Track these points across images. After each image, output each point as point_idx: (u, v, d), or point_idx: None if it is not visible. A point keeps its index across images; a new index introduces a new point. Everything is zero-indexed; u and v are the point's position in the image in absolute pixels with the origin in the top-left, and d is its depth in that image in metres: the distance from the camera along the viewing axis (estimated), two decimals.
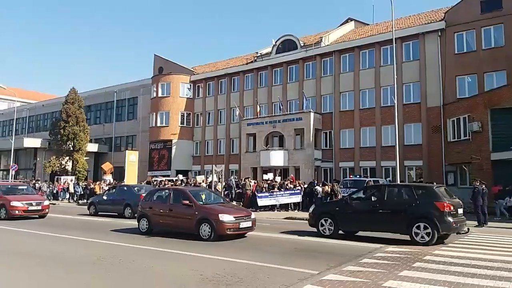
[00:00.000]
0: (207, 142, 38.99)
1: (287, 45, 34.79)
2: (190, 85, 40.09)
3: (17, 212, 17.35)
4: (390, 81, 22.83)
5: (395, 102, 19.97)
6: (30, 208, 17.71)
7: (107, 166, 35.41)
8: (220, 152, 37.75)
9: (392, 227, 11.36)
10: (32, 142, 41.99)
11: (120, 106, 45.72)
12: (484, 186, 16.25)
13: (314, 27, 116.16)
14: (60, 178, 34.69)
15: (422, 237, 10.72)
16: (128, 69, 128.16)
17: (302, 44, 33.82)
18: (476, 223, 15.56)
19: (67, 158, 38.67)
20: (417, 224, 10.79)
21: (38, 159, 41.86)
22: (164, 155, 39.04)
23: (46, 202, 18.64)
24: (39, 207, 18.02)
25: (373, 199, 12.00)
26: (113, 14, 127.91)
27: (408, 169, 27.28)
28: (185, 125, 39.44)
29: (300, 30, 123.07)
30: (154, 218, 12.92)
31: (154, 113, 39.54)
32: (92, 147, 43.26)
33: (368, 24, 37.92)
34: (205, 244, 11.00)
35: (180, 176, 31.97)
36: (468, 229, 12.40)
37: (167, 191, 13.93)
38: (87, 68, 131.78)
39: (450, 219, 10.66)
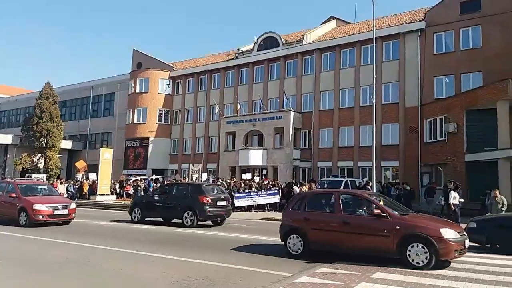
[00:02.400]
0: (185, 140, 38.28)
1: (269, 42, 34.36)
2: (169, 81, 39.33)
3: (40, 217, 14.30)
4: (370, 81, 22.59)
5: (373, 102, 19.73)
6: (56, 212, 14.68)
7: (80, 164, 34.39)
8: (198, 151, 37.11)
9: (174, 214, 15.76)
10: (2, 138, 40.49)
11: (96, 102, 44.60)
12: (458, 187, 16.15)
13: (297, 25, 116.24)
14: (31, 176, 33.48)
15: (188, 221, 15.02)
16: (105, 64, 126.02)
17: (284, 42, 33.44)
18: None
19: (39, 155, 37.34)
20: (187, 211, 15.08)
21: (8, 156, 40.38)
22: (140, 153, 38.17)
23: (73, 205, 15.54)
24: (66, 211, 14.97)
25: (165, 194, 16.54)
26: (91, 6, 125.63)
27: (384, 169, 27.17)
28: (163, 122, 38.65)
29: (283, 28, 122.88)
30: (315, 234, 9.16)
31: (131, 110, 38.64)
32: (66, 144, 42.02)
33: (350, 23, 37.77)
34: (180, 247, 10.52)
35: (154, 176, 31.33)
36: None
37: (332, 195, 9.93)
38: (63, 62, 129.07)
39: (207, 208, 14.99)
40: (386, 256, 8.37)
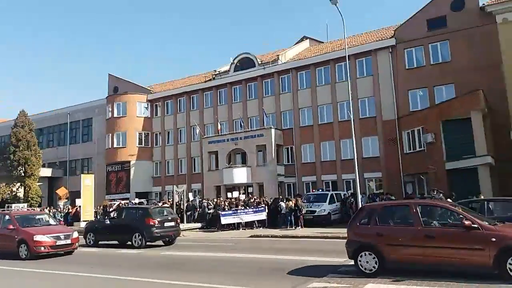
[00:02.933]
0: (167, 162, 38.21)
1: (245, 63, 35.09)
2: (148, 104, 39.36)
3: (42, 248, 13.59)
4: (346, 97, 23.50)
5: (351, 116, 20.52)
6: (59, 242, 14.00)
7: (62, 191, 33.77)
8: (181, 172, 37.06)
9: (124, 237, 16.94)
10: None
11: (74, 128, 43.98)
12: (441, 194, 16.83)
13: (270, 45, 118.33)
14: (11, 206, 32.60)
15: (137, 242, 16.13)
16: (81, 89, 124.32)
17: (259, 62, 34.24)
18: None
19: (18, 184, 36.47)
20: (135, 234, 16.32)
21: None
22: (122, 178, 37.77)
23: (75, 234, 14.72)
24: (69, 241, 14.27)
25: (116, 218, 17.75)
26: (62, 32, 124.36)
27: (368, 181, 28.00)
28: (143, 145, 38.49)
29: (257, 48, 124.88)
30: (392, 251, 8.44)
31: (110, 134, 38.35)
32: (46, 172, 41.16)
33: (322, 42, 39.05)
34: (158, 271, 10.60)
35: (137, 200, 31.06)
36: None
37: (407, 207, 9.09)
38: (37, 89, 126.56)
39: (154, 229, 16.27)
40: (479, 272, 7.68)
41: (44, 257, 13.68)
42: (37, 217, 16.03)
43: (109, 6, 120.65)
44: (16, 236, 13.93)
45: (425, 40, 26.45)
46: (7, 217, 15.08)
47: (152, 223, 16.35)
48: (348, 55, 21.58)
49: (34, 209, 26.12)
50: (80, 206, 28.37)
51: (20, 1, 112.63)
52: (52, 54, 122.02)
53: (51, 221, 16.06)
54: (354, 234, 9.23)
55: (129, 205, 29.10)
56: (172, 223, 17.34)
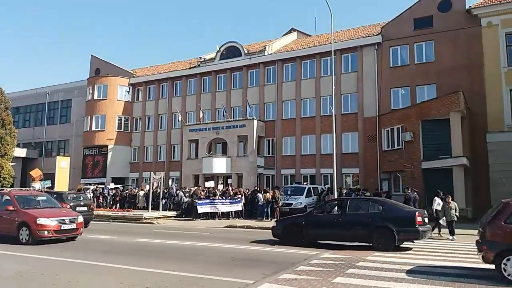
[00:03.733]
0: (146, 148, 37.66)
1: (232, 52, 34.69)
2: (129, 88, 38.65)
3: (46, 233, 12.33)
4: (330, 91, 23.41)
5: (333, 112, 20.47)
6: (64, 227, 12.71)
7: (36, 172, 32.77)
8: (160, 159, 36.59)
9: None
10: None
11: (53, 109, 42.91)
12: (416, 193, 16.97)
13: (259, 36, 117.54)
14: None
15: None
16: (62, 69, 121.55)
17: (246, 52, 33.89)
18: None
19: None
20: None
21: None
22: (99, 162, 37.08)
23: (80, 219, 13.48)
24: (74, 225, 13.02)
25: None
26: (47, 9, 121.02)
27: (345, 176, 28.12)
28: (122, 130, 37.81)
29: (245, 38, 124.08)
30: None
31: (89, 117, 37.55)
32: (20, 152, 40.03)
33: (310, 35, 38.86)
34: (137, 257, 10.37)
35: (112, 185, 30.50)
36: None
37: None
38: (16, 66, 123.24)
39: None
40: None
41: (47, 242, 12.49)
42: (38, 198, 14.49)
43: None
44: (16, 219, 12.68)
45: (411, 39, 26.53)
46: (6, 197, 13.71)
47: (65, 206, 17.27)
48: (334, 50, 21.48)
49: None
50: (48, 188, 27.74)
51: None
52: (34, 32, 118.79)
53: (54, 203, 14.55)
54: (496, 235, 7.82)
55: (93, 190, 28.80)
56: (85, 208, 18.64)
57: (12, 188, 30.12)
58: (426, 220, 12.03)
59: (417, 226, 11.35)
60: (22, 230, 12.51)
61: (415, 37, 26.37)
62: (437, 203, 15.38)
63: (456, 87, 21.39)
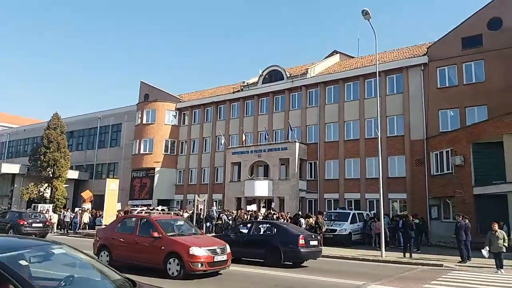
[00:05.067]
0: (191, 170, 38.44)
1: (274, 75, 35.07)
2: (176, 112, 39.90)
3: (199, 266, 10.36)
4: (374, 113, 22.95)
5: (379, 134, 19.89)
6: (216, 258, 10.72)
7: (86, 194, 34.42)
8: (204, 181, 37.17)
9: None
10: (10, 167, 40.83)
11: (104, 133, 45.11)
12: (467, 220, 16.04)
13: (300, 59, 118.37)
14: (38, 206, 33.54)
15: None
16: (113, 96, 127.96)
17: (288, 75, 34.13)
18: (459, 258, 15.27)
19: (46, 185, 37.56)
20: (10, 230, 22.51)
21: (15, 185, 40.54)
22: (146, 184, 38.25)
23: (228, 249, 11.40)
24: (225, 257, 11.04)
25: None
26: (100, 39, 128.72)
27: (392, 201, 27.13)
28: (169, 153, 38.92)
29: (287, 61, 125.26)
30: None
31: (138, 140, 39.02)
32: (73, 174, 42.24)
33: (353, 57, 38.61)
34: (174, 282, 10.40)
35: (160, 207, 31.23)
36: None
37: None
38: (72, 93, 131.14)
39: (22, 228, 22.60)
40: None
41: (200, 277, 10.51)
42: (178, 223, 12.64)
43: (146, 15, 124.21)
44: (162, 247, 10.74)
45: (459, 59, 25.63)
46: (146, 221, 11.91)
47: (22, 223, 22.87)
48: (378, 71, 21.04)
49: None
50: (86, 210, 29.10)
51: (55, 8, 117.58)
52: (88, 59, 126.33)
53: (194, 229, 12.76)
54: None
55: (151, 212, 29.36)
56: (40, 225, 23.93)
57: (84, 208, 31.84)
58: (315, 242, 13.97)
59: (299, 247, 13.16)
60: (171, 261, 10.50)
61: (463, 56, 25.47)
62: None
63: (508, 108, 20.28)
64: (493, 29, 24.66)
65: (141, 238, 11.26)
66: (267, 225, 15.10)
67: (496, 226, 13.51)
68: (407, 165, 26.70)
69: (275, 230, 14.18)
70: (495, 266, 13.20)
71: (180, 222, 12.77)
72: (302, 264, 13.70)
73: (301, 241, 13.27)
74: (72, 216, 30.05)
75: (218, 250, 10.83)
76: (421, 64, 27.33)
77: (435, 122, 26.01)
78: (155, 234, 10.97)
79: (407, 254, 16.76)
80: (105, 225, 27.97)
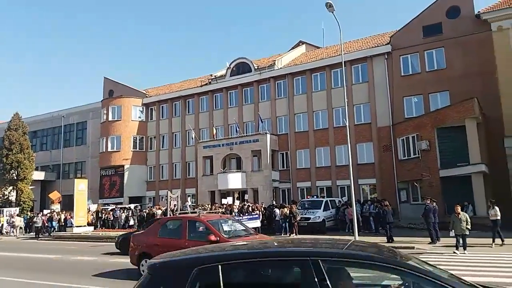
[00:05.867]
0: (162, 166, 38.02)
1: (241, 68, 35.05)
2: (143, 108, 39.22)
3: None
4: (342, 103, 23.44)
5: (347, 123, 20.32)
6: None
7: (55, 195, 33.49)
8: (175, 176, 36.88)
9: None
10: None
11: (68, 131, 43.77)
12: (435, 203, 16.77)
13: (266, 49, 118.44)
14: (3, 210, 32.29)
15: None
16: (76, 93, 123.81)
17: (256, 67, 34.20)
18: (429, 239, 15.98)
19: (11, 188, 36.13)
20: None
21: None
22: (116, 182, 37.52)
23: None
24: None
25: None
26: (59, 34, 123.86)
27: (362, 187, 27.94)
28: (137, 149, 38.29)
29: (253, 53, 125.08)
30: None
31: (105, 138, 38.14)
32: (38, 175, 40.83)
33: (319, 47, 39.08)
34: None
35: (132, 205, 30.79)
36: None
37: None
38: (31, 91, 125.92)
39: None
40: None
41: None
42: (229, 223, 11.41)
43: (107, 9, 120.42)
44: None
45: (421, 47, 26.51)
46: (193, 222, 10.74)
47: None
48: (344, 61, 21.43)
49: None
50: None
51: (16, 1, 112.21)
52: (47, 56, 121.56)
53: (247, 229, 11.49)
54: None
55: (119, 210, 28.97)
56: None
57: (48, 211, 30.58)
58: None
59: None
60: None
61: (425, 44, 26.35)
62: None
63: (469, 93, 21.24)
64: (452, 18, 25.61)
65: (194, 243, 9.46)
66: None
67: (459, 209, 13.58)
68: (375, 151, 27.54)
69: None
70: (455, 247, 13.42)
71: (232, 222, 11.59)
72: None
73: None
74: (44, 219, 28.99)
75: None
76: (384, 53, 28.10)
77: (400, 109, 26.88)
78: (212, 238, 9.49)
79: (390, 239, 16.67)
80: (77, 226, 27.42)
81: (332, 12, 18.30)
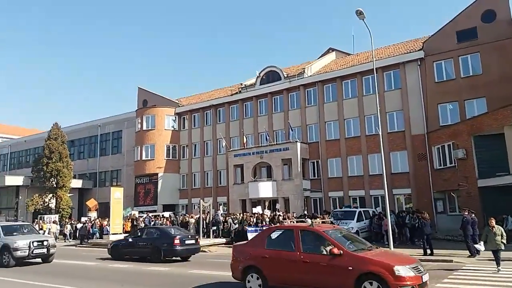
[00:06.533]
0: (194, 174, 38.60)
1: (271, 76, 35.22)
2: (175, 117, 40.03)
3: None
4: (373, 110, 23.13)
5: (380, 131, 19.95)
6: (424, 278, 8.35)
7: (91, 202, 34.61)
8: (207, 185, 37.34)
9: None
10: (13, 180, 40.92)
11: (104, 140, 45.20)
12: (473, 215, 16.25)
13: (297, 57, 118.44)
14: (44, 217, 33.69)
15: None
16: (112, 103, 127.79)
17: (285, 75, 34.28)
18: (468, 253, 15.47)
19: (51, 195, 37.68)
20: None
21: (20, 197, 40.67)
22: (150, 190, 38.39)
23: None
24: (427, 277, 8.63)
25: None
26: (95, 47, 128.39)
27: (396, 197, 27.36)
28: (171, 157, 39.08)
29: (283, 61, 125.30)
30: None
31: (139, 147, 39.16)
32: (76, 183, 42.33)
33: (349, 54, 38.77)
34: None
35: (166, 213, 31.39)
36: None
37: None
38: (70, 102, 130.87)
39: None
40: None
41: None
42: (343, 234, 9.89)
43: (140, 21, 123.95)
44: (350, 267, 8.26)
45: (455, 52, 25.85)
46: (307, 232, 9.46)
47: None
48: (375, 68, 21.11)
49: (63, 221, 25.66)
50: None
51: (53, 16, 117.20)
52: (84, 68, 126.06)
53: (364, 241, 10.00)
54: None
55: (146, 219, 29.63)
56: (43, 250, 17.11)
57: (86, 218, 31.75)
58: (192, 241, 17.62)
59: (174, 246, 16.70)
60: (366, 285, 8.04)
61: (459, 50, 25.69)
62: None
63: (507, 99, 20.48)
64: (487, 22, 24.89)
65: (310, 256, 8.85)
66: (153, 230, 19.07)
67: (493, 222, 12.53)
68: (410, 160, 26.94)
69: (159, 233, 17.80)
70: (495, 263, 12.29)
71: (346, 233, 10.19)
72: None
73: (176, 241, 16.77)
74: (87, 226, 30.21)
75: (420, 268, 8.44)
76: (417, 59, 27.56)
77: (434, 116, 26.24)
78: (335, 251, 8.49)
79: (428, 251, 16.16)
80: (113, 234, 28.16)
81: (363, 20, 18.17)
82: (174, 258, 17.26)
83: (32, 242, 16.45)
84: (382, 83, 28.48)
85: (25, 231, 17.89)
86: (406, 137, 27.34)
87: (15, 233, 17.19)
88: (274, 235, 10.13)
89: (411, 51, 28.77)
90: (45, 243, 17.05)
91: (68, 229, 31.79)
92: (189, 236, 18.10)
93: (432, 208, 24.54)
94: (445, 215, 24.35)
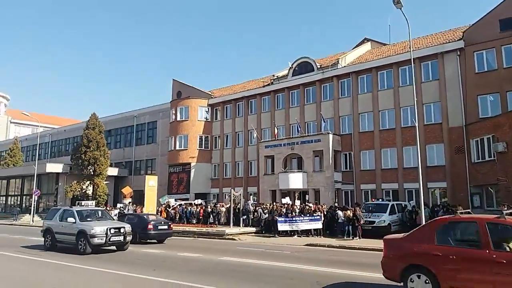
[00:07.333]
0: (225, 164, 39.04)
1: (304, 67, 34.89)
2: (208, 108, 40.52)
3: None
4: (410, 102, 22.49)
5: (416, 123, 19.36)
6: None
7: (127, 190, 35.68)
8: (238, 175, 37.68)
9: None
10: (54, 167, 42.79)
11: (140, 130, 46.53)
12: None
13: (331, 48, 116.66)
14: (82, 203, 35.04)
15: None
16: (147, 94, 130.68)
17: (318, 66, 33.88)
18: None
19: (88, 182, 39.29)
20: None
21: (60, 184, 42.53)
22: (183, 178, 39.21)
23: None
24: None
25: None
26: (131, 40, 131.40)
27: (431, 191, 26.61)
28: (203, 148, 39.69)
29: (317, 52, 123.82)
30: None
31: (173, 137, 39.99)
32: (112, 171, 43.83)
33: (385, 44, 37.83)
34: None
35: (198, 201, 32.02)
36: None
37: None
38: (107, 93, 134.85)
39: None
40: None
41: None
42: None
43: (175, 15, 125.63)
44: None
45: (497, 42, 24.67)
46: (504, 230, 7.54)
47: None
48: (412, 58, 20.47)
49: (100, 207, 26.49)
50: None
51: (92, 9, 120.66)
52: (121, 61, 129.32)
53: None
54: None
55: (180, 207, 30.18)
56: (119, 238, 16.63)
57: (121, 205, 32.78)
58: (165, 227, 20.39)
59: (148, 231, 19.53)
60: None
61: (502, 39, 24.49)
62: None
63: None
64: None
65: (507, 255, 7.10)
66: (132, 216, 21.73)
67: None
68: (446, 153, 26.07)
69: (137, 219, 20.50)
70: None
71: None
72: None
73: (150, 226, 19.61)
74: (124, 212, 31.04)
75: None
76: (457, 49, 26.51)
77: (474, 108, 25.24)
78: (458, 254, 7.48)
79: None
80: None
81: (400, 8, 17.64)
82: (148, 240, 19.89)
83: (110, 229, 15.49)
84: (419, 73, 27.61)
85: (99, 216, 17.30)
86: (443, 129, 26.44)
87: (89, 219, 16.33)
88: (448, 229, 8.28)
89: (450, 41, 27.70)
90: (121, 230, 15.99)
91: (113, 213, 32.87)
92: (162, 222, 20.91)
93: (469, 202, 23.70)
94: (482, 210, 23.40)
